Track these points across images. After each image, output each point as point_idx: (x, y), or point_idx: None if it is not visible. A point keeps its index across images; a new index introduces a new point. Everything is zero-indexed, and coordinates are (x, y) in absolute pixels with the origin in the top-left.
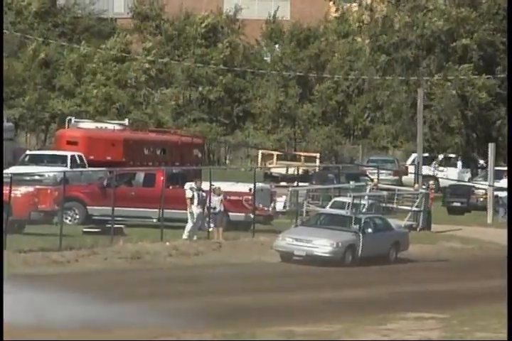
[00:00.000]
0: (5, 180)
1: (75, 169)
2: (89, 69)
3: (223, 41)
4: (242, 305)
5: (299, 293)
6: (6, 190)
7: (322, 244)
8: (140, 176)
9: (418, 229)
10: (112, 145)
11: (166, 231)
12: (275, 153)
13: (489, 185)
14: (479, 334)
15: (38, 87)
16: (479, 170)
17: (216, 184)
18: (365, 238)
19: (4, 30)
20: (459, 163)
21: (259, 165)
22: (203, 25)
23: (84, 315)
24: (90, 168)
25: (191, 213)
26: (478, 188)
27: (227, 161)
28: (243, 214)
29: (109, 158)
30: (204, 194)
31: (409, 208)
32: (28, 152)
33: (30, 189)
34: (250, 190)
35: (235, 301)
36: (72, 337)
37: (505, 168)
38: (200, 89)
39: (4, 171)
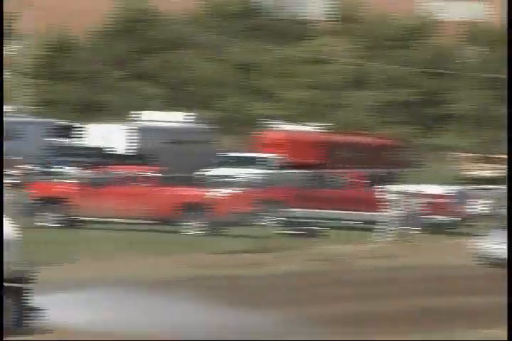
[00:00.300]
0: (204, 182)
1: (273, 171)
2: (288, 72)
3: (420, 43)
4: (436, 307)
5: (496, 297)
6: (206, 191)
7: None
8: (338, 178)
9: None
10: (310, 148)
11: (364, 234)
12: (473, 155)
13: None
14: None
15: (238, 90)
16: None
17: (413, 186)
18: None
19: (206, 34)
20: None
21: (455, 167)
22: (400, 26)
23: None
24: (290, 170)
25: (389, 215)
26: None
27: (424, 163)
28: (440, 216)
29: (307, 160)
30: (401, 196)
31: None
32: (227, 154)
33: (230, 191)
34: (447, 192)
35: (430, 303)
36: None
37: None
38: (397, 91)
39: (204, 173)
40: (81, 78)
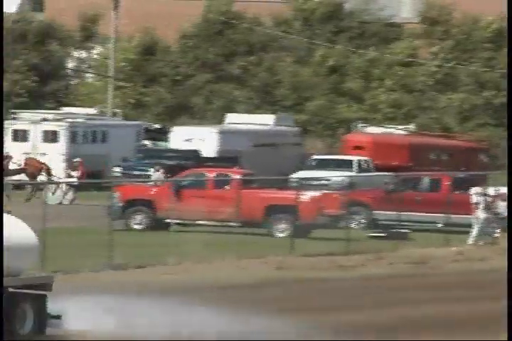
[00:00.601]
0: (293, 184)
1: (361, 174)
2: (375, 74)
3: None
4: None
5: None
6: (293, 194)
7: None
8: (425, 181)
9: None
10: (397, 150)
11: (452, 237)
12: None
13: None
14: None
15: (326, 93)
16: None
17: (502, 189)
18: None
19: (293, 36)
20: None
21: None
22: (490, 29)
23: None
24: (376, 173)
25: (477, 218)
26: None
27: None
28: None
29: (395, 162)
30: (490, 199)
31: None
32: (315, 157)
33: (317, 193)
34: None
35: None
36: None
37: None
38: (486, 93)
39: (292, 175)
40: (169, 81)
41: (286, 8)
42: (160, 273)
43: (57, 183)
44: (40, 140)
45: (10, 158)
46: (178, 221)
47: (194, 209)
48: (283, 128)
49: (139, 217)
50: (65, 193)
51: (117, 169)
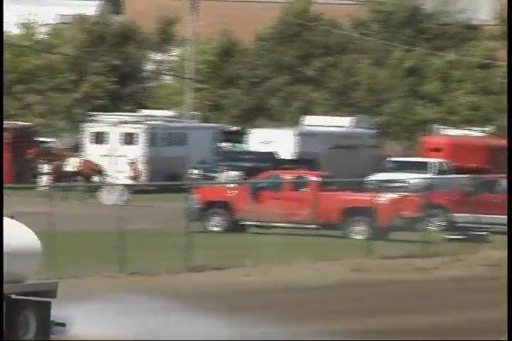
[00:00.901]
0: (368, 186)
1: (438, 176)
2: (453, 77)
3: None
4: None
5: None
6: (371, 196)
7: None
8: (502, 183)
9: None
10: (474, 152)
11: None
12: None
13: None
14: None
15: (403, 95)
16: None
17: None
18: None
19: (369, 38)
20: None
21: None
22: None
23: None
24: (454, 175)
25: None
26: None
27: None
28: None
29: (472, 164)
30: None
31: None
32: (392, 159)
33: (395, 195)
34: None
35: None
36: None
37: None
38: None
39: (369, 178)
40: (246, 83)
41: (364, 11)
42: (239, 275)
43: (119, 185)
44: (119, 142)
45: (64, 160)
46: (255, 223)
47: (271, 211)
48: (360, 130)
49: (215, 219)
50: (121, 194)
51: (195, 171)
